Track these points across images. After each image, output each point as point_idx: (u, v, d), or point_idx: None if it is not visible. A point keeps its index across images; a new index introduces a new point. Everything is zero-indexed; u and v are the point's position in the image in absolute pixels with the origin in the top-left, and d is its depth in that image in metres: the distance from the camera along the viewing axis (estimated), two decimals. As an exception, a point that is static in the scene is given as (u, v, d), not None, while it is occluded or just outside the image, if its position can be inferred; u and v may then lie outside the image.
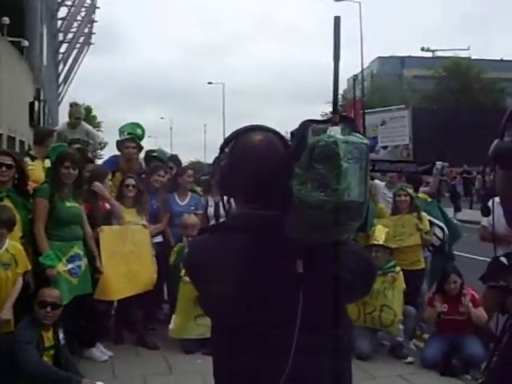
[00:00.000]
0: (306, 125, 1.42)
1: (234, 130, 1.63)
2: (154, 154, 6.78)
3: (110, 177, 5.65)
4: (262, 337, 1.45)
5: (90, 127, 7.62)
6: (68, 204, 4.72)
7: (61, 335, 4.10)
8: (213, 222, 6.12)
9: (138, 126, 6.40)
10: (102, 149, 6.80)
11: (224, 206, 1.63)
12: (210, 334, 1.62)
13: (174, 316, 5.46)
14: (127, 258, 5.37)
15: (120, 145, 6.21)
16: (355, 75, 15.87)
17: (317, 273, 1.44)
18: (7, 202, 4.35)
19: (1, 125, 18.40)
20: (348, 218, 1.35)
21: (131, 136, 6.14)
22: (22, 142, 18.81)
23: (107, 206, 5.48)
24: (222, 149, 1.60)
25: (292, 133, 1.49)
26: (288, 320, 1.43)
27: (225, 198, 1.63)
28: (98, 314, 5.13)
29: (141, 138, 6.33)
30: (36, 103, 21.29)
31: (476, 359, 4.72)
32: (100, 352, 5.05)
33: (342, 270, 1.51)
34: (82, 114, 7.30)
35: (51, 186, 4.63)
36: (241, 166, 1.54)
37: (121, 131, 6.28)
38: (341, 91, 49.83)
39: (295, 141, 1.45)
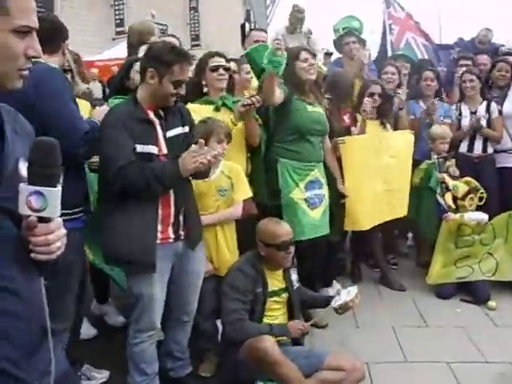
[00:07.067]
0: None
1: None
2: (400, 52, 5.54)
3: None
4: None
5: (313, 37, 6.40)
6: (310, 109, 3.60)
7: (294, 276, 3.00)
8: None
9: (353, 18, 5.50)
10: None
11: None
12: None
13: (433, 259, 4.27)
14: (385, 172, 4.12)
15: (338, 44, 5.32)
16: None
17: None
18: (225, 112, 3.38)
19: (214, 47, 18.47)
20: None
21: (347, 30, 5.22)
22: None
23: (346, 120, 4.33)
24: None
25: None
26: None
27: None
28: (330, 247, 3.93)
29: (359, 30, 5.39)
30: (247, 25, 21.00)
31: None
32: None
33: None
34: (301, 20, 6.05)
35: (288, 86, 3.51)
36: None
37: (335, 29, 5.45)
38: None
39: None
